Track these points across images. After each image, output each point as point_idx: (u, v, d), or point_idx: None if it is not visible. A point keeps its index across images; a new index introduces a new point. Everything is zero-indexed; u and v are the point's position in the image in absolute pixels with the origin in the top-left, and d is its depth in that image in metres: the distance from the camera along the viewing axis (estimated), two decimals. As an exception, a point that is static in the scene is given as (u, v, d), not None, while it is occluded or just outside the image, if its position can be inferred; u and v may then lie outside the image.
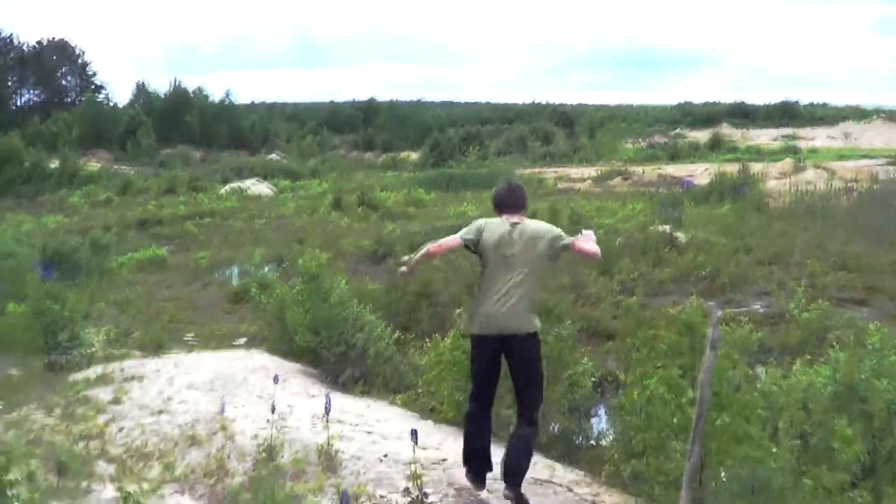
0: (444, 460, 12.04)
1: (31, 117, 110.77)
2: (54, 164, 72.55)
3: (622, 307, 22.85)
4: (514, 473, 8.82)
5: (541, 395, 9.30)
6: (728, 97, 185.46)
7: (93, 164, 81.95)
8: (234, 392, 14.94)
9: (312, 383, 16.93)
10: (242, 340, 21.94)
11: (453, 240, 9.00)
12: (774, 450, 8.59)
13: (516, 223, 8.83)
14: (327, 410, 10.45)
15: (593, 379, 15.06)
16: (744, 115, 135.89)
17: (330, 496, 9.28)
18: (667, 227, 33.17)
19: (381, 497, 9.43)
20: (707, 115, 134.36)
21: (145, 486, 9.52)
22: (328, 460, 10.36)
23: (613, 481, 11.48)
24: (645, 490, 9.91)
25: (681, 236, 32.22)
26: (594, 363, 17.86)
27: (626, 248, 30.75)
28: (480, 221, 9.03)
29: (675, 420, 8.69)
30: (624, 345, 19.54)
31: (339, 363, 18.12)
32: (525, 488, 9.09)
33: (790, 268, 28.23)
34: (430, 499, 9.29)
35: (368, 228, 41.30)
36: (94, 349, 18.67)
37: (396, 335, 19.38)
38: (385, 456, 10.71)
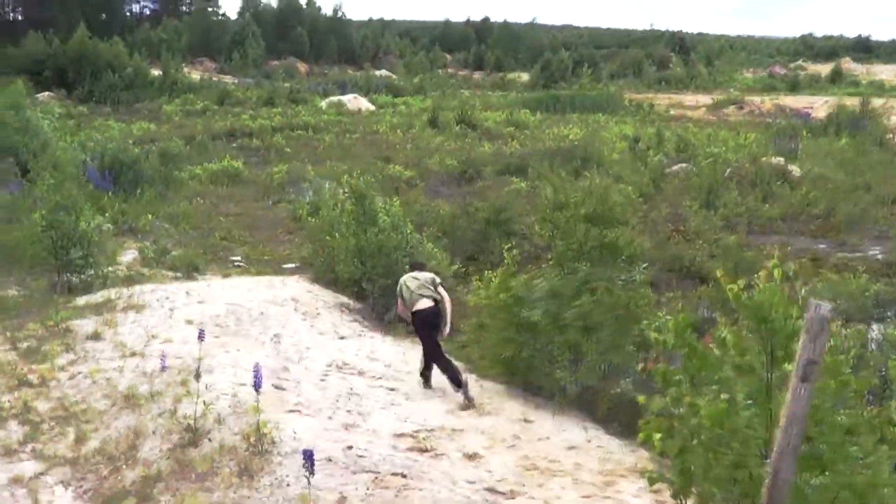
0: (459, 431, 9.75)
1: (142, 25, 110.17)
2: (158, 72, 71.40)
3: (722, 245, 19.99)
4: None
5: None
6: (851, 31, 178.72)
7: (195, 74, 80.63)
8: (245, 331, 12.73)
9: (349, 321, 14.63)
10: (292, 265, 19.71)
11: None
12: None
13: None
14: (256, 387, 7.90)
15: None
16: (867, 49, 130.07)
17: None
18: (780, 160, 30.12)
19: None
20: (829, 49, 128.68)
21: (27, 471, 7.37)
22: (252, 456, 7.91)
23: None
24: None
25: (795, 170, 29.24)
26: (683, 310, 15.29)
27: (734, 179, 27.79)
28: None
29: (733, 476, 5.47)
30: (718, 291, 16.84)
31: (384, 297, 15.76)
32: None
33: (913, 210, 25.18)
34: None
35: (462, 148, 38.72)
36: (114, 269, 16.62)
37: (457, 266, 16.99)
38: (349, 448, 8.21)
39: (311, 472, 6.11)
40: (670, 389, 5.70)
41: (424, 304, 11.81)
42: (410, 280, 12.12)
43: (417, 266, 12.94)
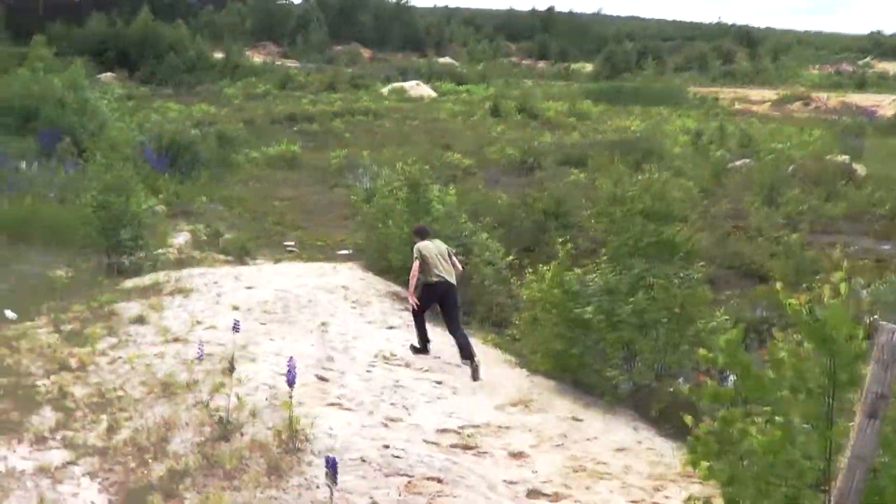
0: (505, 428, 9.36)
1: (205, 8, 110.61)
2: (221, 55, 71.57)
3: (783, 244, 19.45)
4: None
5: None
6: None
7: (258, 58, 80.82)
8: (293, 318, 12.50)
9: (399, 310, 14.33)
10: (346, 251, 19.49)
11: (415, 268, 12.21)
12: None
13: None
14: (290, 383, 7.56)
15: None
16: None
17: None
18: (845, 158, 29.38)
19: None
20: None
21: (55, 460, 7.18)
22: (283, 454, 7.54)
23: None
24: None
25: (860, 169, 28.52)
26: (739, 311, 14.86)
27: (797, 177, 27.13)
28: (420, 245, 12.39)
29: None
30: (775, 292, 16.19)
31: (436, 287, 15.48)
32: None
33: None
34: None
35: (523, 137, 38.26)
36: (165, 251, 16.50)
37: (512, 257, 16.66)
38: (385, 447, 7.85)
39: (334, 482, 5.64)
40: (720, 412, 5.18)
41: (442, 278, 12.08)
42: (433, 255, 12.20)
43: (423, 231, 12.93)
